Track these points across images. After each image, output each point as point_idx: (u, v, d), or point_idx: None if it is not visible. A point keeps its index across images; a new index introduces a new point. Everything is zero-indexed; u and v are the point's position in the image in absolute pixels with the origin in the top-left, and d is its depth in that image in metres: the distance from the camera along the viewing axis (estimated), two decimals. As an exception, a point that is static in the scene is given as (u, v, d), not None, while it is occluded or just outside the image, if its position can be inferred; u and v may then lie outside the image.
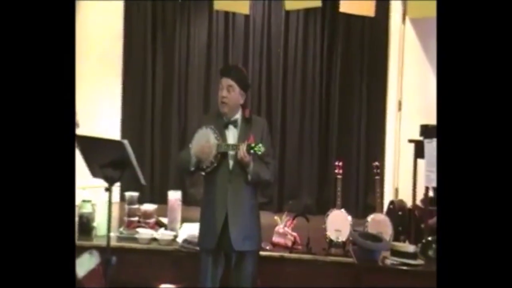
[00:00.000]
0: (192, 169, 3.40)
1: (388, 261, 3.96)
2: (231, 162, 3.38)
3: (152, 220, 4.55)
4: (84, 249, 3.82)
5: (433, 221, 4.32)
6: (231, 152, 3.35)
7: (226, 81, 3.43)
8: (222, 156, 3.35)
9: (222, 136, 3.38)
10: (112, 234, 3.73)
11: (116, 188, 4.25)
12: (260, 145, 3.23)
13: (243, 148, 3.25)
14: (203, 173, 3.45)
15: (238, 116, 3.48)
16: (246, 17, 6.36)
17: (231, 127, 3.45)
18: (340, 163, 4.48)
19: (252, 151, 3.23)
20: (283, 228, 4.33)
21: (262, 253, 3.88)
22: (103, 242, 3.73)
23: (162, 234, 4.33)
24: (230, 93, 3.41)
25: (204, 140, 3.35)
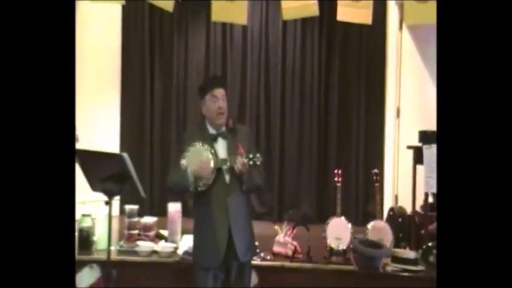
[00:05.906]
0: (191, 189, 3.28)
1: (389, 268, 3.97)
2: (227, 176, 3.31)
3: (152, 233, 4.54)
4: (85, 263, 3.84)
5: (433, 227, 4.33)
6: (225, 167, 3.30)
7: (220, 92, 3.38)
8: (217, 171, 3.29)
9: (212, 149, 3.31)
10: (112, 248, 3.73)
11: (116, 201, 4.25)
12: (258, 155, 3.23)
13: (241, 159, 3.19)
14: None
15: (223, 127, 3.42)
16: (244, 28, 6.38)
17: (219, 139, 3.37)
18: (340, 171, 4.50)
19: (251, 162, 3.21)
20: (283, 238, 4.33)
21: (263, 263, 3.88)
22: (103, 256, 3.73)
23: (162, 246, 4.33)
24: (225, 103, 3.38)
25: (199, 158, 3.25)
